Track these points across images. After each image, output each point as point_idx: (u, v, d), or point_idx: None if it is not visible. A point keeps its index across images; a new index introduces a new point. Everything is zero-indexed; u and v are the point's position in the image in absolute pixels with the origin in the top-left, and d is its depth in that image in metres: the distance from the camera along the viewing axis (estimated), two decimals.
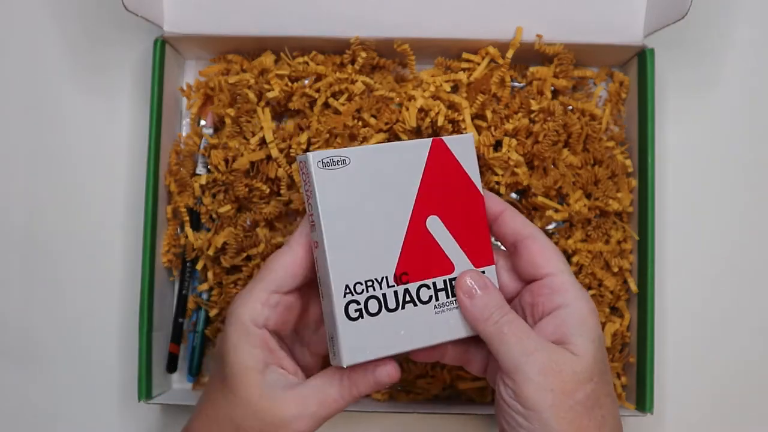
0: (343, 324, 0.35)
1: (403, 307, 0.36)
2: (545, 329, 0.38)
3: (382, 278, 0.36)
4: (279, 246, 0.51)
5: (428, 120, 0.49)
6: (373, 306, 0.35)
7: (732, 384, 0.54)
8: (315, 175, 0.35)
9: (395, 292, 0.36)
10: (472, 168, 0.39)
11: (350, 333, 0.35)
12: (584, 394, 0.36)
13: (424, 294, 0.37)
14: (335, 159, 0.36)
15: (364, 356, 0.36)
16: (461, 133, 0.49)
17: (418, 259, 0.36)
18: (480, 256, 0.39)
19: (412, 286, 0.36)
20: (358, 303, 0.35)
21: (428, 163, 0.38)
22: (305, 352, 0.42)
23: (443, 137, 0.39)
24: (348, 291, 0.35)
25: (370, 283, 0.35)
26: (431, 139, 0.38)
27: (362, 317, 0.35)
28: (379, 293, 0.36)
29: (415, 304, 0.36)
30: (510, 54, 0.51)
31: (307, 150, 0.50)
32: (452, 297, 0.38)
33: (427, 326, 0.37)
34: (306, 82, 0.51)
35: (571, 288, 0.38)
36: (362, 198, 0.36)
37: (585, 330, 0.37)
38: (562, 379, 0.35)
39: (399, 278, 0.36)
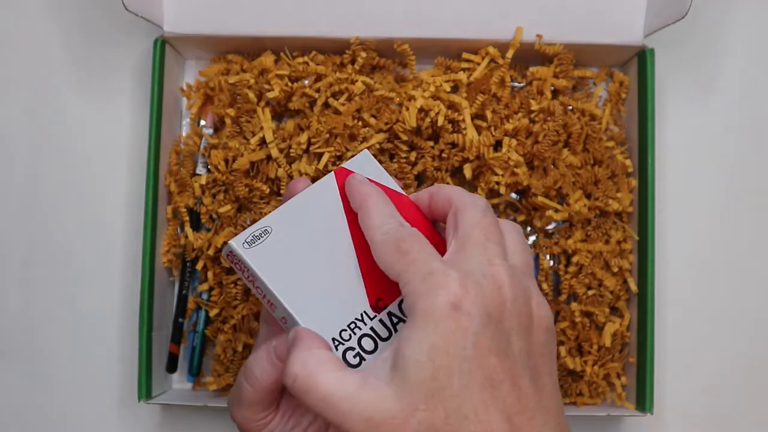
0: None
1: (395, 330, 0.35)
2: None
3: (362, 314, 0.34)
4: None
5: (428, 120, 0.49)
6: (368, 344, 0.34)
7: (732, 384, 0.54)
8: (247, 258, 0.34)
9: (381, 320, 0.34)
10: (384, 178, 0.38)
11: None
12: None
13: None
14: (256, 234, 0.35)
15: None
16: (461, 133, 0.49)
17: (383, 281, 0.34)
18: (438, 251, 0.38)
19: (393, 307, 0.35)
20: (353, 348, 0.34)
21: (342, 193, 0.37)
22: None
23: (343, 164, 0.38)
24: (338, 342, 0.33)
25: (353, 325, 0.34)
26: (332, 172, 0.38)
27: (363, 360, 0.34)
28: (367, 329, 0.34)
29: (404, 321, 0.35)
30: (510, 54, 0.51)
31: (306, 150, 0.50)
32: None
33: None
34: (306, 82, 0.51)
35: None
36: (301, 254, 0.35)
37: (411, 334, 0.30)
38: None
39: (377, 306, 0.35)
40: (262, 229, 0.35)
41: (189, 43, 0.52)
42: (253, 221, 0.50)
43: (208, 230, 0.52)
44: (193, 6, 0.51)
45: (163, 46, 0.51)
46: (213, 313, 0.51)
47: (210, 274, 0.51)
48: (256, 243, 0.34)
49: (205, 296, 0.52)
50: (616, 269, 0.51)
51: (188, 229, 0.51)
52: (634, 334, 0.51)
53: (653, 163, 0.50)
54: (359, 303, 0.35)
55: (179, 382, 0.53)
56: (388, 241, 0.32)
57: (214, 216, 0.51)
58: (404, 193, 0.38)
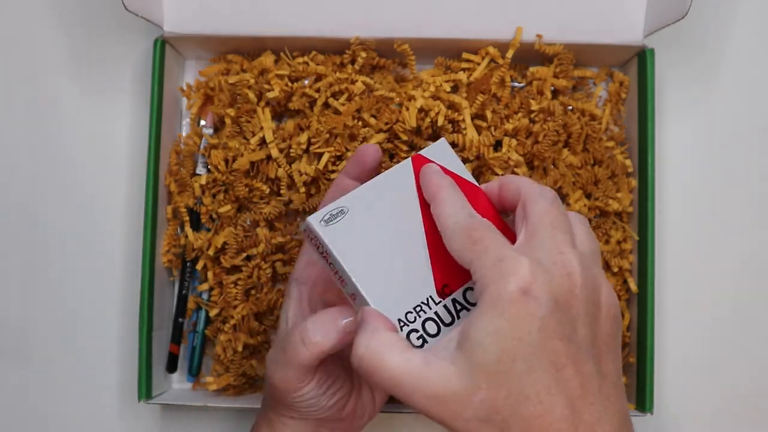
0: None
1: (458, 317, 0.35)
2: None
3: (428, 298, 0.35)
4: (279, 246, 0.51)
5: (428, 120, 0.49)
6: (431, 327, 0.35)
7: (732, 384, 0.54)
8: (323, 236, 0.35)
9: (445, 306, 0.35)
10: (458, 167, 0.39)
11: None
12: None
13: (471, 296, 0.36)
14: (333, 213, 0.36)
15: None
16: (461, 133, 0.49)
17: (451, 268, 0.36)
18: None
19: (458, 294, 0.36)
20: (416, 331, 0.35)
21: (417, 179, 0.38)
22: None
23: (420, 151, 0.39)
24: (402, 323, 0.34)
25: (419, 308, 0.35)
26: (409, 157, 0.38)
27: (426, 341, 0.34)
28: (431, 313, 0.35)
29: (468, 309, 0.36)
30: (510, 54, 0.51)
31: (306, 150, 0.50)
32: None
33: None
34: (306, 82, 0.51)
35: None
36: (375, 236, 0.36)
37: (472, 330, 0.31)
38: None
39: (442, 292, 0.36)
40: (339, 209, 0.36)
41: (189, 43, 0.52)
42: (254, 221, 0.51)
43: (208, 230, 0.52)
44: (193, 6, 0.50)
45: (163, 46, 0.51)
46: (213, 313, 0.51)
47: (210, 274, 0.51)
48: (333, 221, 0.35)
49: (205, 296, 0.52)
50: (616, 269, 0.51)
51: (188, 229, 0.51)
52: (634, 334, 0.51)
53: (653, 163, 0.50)
54: (426, 287, 0.36)
55: (179, 382, 0.53)
56: (459, 229, 0.33)
57: (214, 216, 0.51)
58: (477, 183, 0.39)
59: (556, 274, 0.31)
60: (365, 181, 0.38)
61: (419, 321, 0.35)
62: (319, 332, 0.37)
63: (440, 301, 0.35)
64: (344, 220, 0.36)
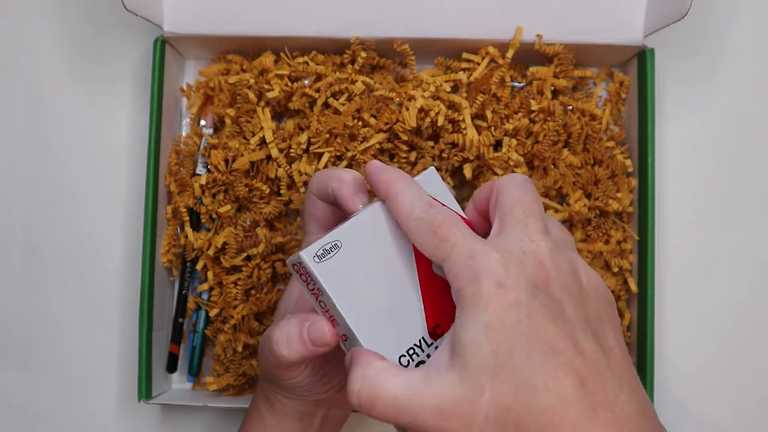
0: None
1: None
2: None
3: (420, 340, 0.34)
4: (279, 246, 0.51)
5: (428, 120, 0.49)
6: None
7: (733, 384, 0.54)
8: (317, 272, 0.33)
9: (437, 348, 0.34)
10: (446, 197, 0.37)
11: None
12: None
13: None
14: (326, 248, 0.33)
15: None
16: (461, 133, 0.49)
17: (442, 306, 0.35)
18: None
19: (450, 334, 0.34)
20: None
21: None
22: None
23: None
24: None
25: (412, 351, 0.34)
26: None
27: None
28: (423, 356, 0.34)
29: None
30: (510, 54, 0.51)
31: (306, 150, 0.50)
32: None
33: None
34: (306, 82, 0.51)
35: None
36: (368, 274, 0.34)
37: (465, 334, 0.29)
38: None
39: (434, 332, 0.34)
40: (333, 243, 0.34)
41: (189, 43, 0.52)
42: (254, 221, 0.50)
43: (208, 230, 0.52)
44: (193, 6, 0.50)
45: (163, 46, 0.51)
46: (213, 313, 0.51)
47: (210, 274, 0.51)
48: (326, 257, 0.33)
49: (205, 296, 0.52)
50: (616, 269, 0.51)
51: (188, 229, 0.51)
52: (634, 334, 0.51)
53: (653, 163, 0.50)
54: (418, 328, 0.34)
55: (179, 382, 0.53)
56: (423, 226, 0.32)
57: (214, 216, 0.51)
58: (464, 214, 0.36)
59: (529, 263, 0.30)
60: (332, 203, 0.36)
61: (412, 365, 0.33)
62: (284, 346, 0.35)
63: (432, 343, 0.34)
64: (337, 256, 0.33)
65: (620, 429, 0.28)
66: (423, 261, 0.34)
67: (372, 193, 0.37)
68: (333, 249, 0.33)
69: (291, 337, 0.35)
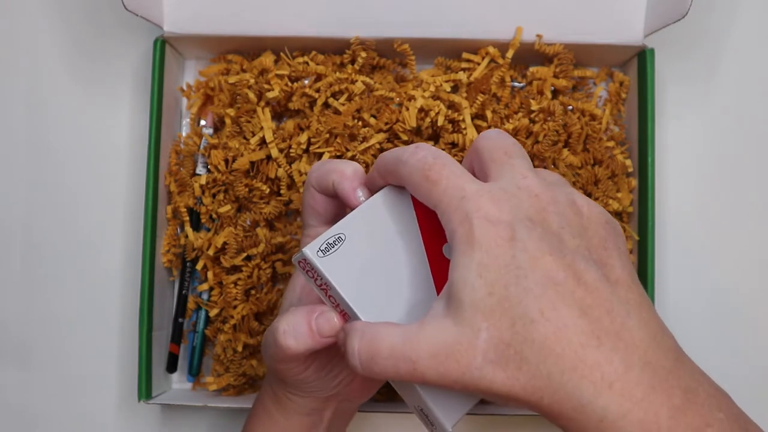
0: (426, 393, 0.32)
1: None
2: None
3: None
4: (279, 246, 0.51)
5: (428, 120, 0.49)
6: None
7: (733, 384, 0.54)
8: (322, 267, 0.32)
9: None
10: None
11: (439, 399, 0.32)
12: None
13: None
14: (330, 242, 0.33)
15: (461, 411, 0.33)
16: (462, 133, 0.49)
17: None
18: None
19: None
20: None
21: (414, 199, 0.35)
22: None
23: None
24: None
25: None
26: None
27: None
28: None
29: None
30: (510, 54, 0.51)
31: (306, 150, 0.50)
32: None
33: None
34: (306, 82, 0.51)
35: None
36: (375, 263, 0.33)
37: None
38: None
39: None
40: (336, 236, 0.33)
41: (189, 43, 0.52)
42: (254, 221, 0.50)
43: (208, 230, 0.52)
44: (193, 6, 0.51)
45: (163, 46, 0.51)
46: (213, 313, 0.51)
47: (210, 274, 0.51)
48: (331, 251, 0.33)
49: (205, 296, 0.52)
50: None
51: (188, 229, 0.51)
52: None
53: (653, 163, 0.50)
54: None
55: (179, 382, 0.53)
56: (414, 172, 0.31)
57: (214, 216, 0.51)
58: None
59: (523, 197, 0.29)
60: (332, 197, 0.36)
61: None
62: (290, 337, 0.34)
63: None
64: (342, 249, 0.33)
65: (628, 355, 0.27)
66: (432, 246, 0.34)
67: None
68: (337, 242, 0.33)
69: (298, 327, 0.34)
